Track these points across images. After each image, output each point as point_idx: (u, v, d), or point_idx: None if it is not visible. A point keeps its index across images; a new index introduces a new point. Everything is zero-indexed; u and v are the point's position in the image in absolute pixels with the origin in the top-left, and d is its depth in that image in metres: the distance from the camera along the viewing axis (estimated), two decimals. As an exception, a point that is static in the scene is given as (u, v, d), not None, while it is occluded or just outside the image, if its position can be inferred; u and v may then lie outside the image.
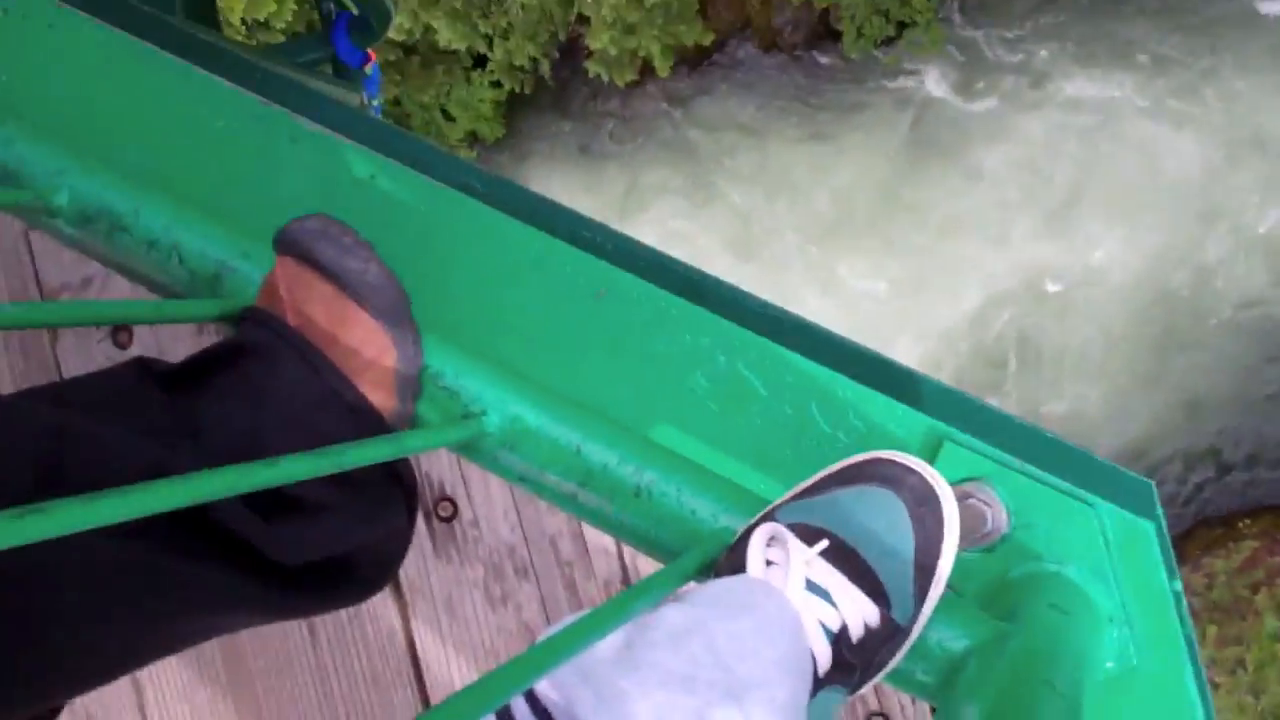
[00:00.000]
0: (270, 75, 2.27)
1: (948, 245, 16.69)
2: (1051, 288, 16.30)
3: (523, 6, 15.79)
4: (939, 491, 1.66)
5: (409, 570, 2.18)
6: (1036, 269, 16.23)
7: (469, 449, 1.92)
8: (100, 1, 2.33)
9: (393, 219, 2.06)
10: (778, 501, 1.74)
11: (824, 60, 17.59)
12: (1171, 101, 16.09)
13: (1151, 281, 16.30)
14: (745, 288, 2.10)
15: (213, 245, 1.94)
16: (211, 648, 2.29)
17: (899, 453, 1.71)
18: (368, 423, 1.80)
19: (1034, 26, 16.83)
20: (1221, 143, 15.71)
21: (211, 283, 1.97)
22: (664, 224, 17.82)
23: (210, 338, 2.26)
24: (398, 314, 1.92)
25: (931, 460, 1.87)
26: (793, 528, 1.61)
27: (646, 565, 2.03)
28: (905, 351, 16.17)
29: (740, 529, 1.76)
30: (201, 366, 1.78)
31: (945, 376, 16.18)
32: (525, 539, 2.09)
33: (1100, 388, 16.11)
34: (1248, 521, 14.84)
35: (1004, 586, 1.87)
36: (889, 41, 17.07)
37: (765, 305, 2.02)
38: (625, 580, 2.04)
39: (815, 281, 16.70)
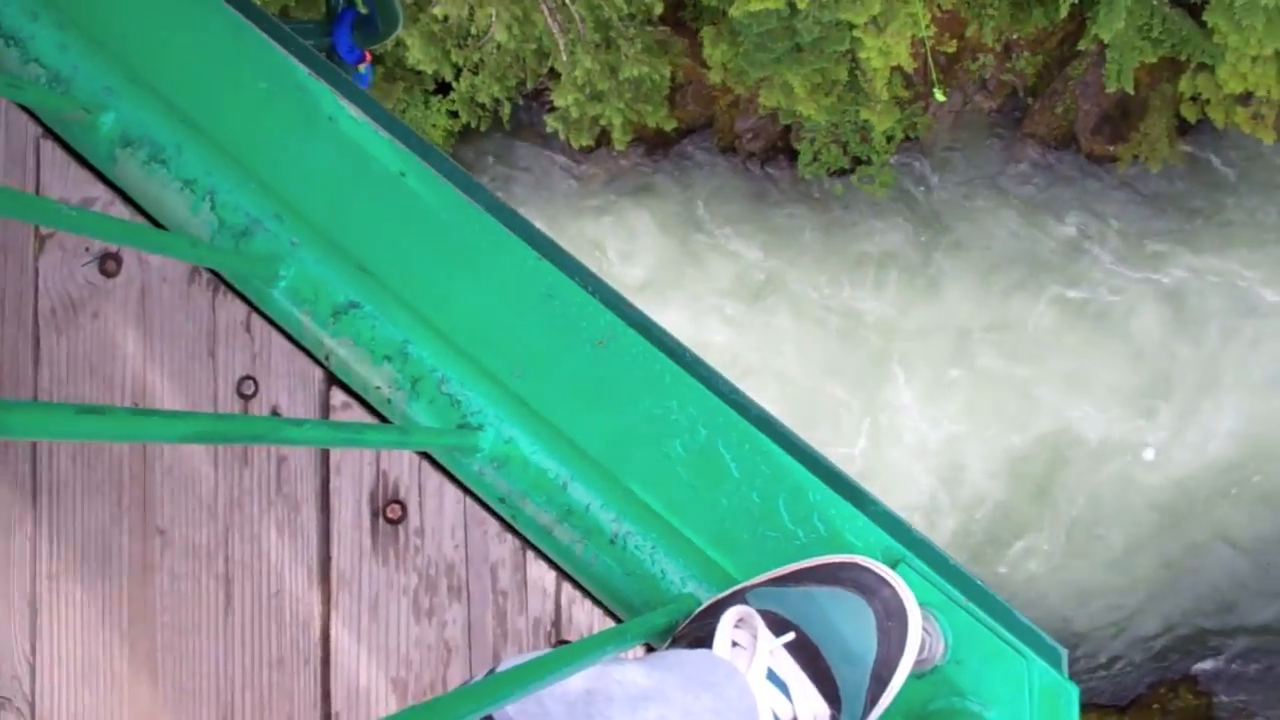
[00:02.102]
0: (311, 53, 2.30)
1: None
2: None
3: (498, 47, 15.80)
4: (908, 609, 1.72)
5: (341, 563, 2.17)
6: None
7: (456, 458, 1.94)
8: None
9: (413, 218, 2.09)
10: (750, 583, 1.78)
11: (775, 174, 17.86)
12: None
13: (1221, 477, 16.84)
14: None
15: (248, 200, 1.95)
16: (121, 594, 2.26)
17: (877, 563, 1.76)
18: None
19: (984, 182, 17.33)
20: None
21: (238, 236, 1.98)
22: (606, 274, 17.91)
23: (199, 288, 2.24)
24: None
25: None
26: (763, 614, 1.65)
27: (580, 613, 2.05)
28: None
29: (706, 600, 1.79)
30: None
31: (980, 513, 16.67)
32: (466, 559, 2.10)
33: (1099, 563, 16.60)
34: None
35: (924, 715, 1.92)
36: (842, 173, 17.41)
37: (749, 399, 2.08)
38: (556, 623, 2.06)
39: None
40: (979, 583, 2.00)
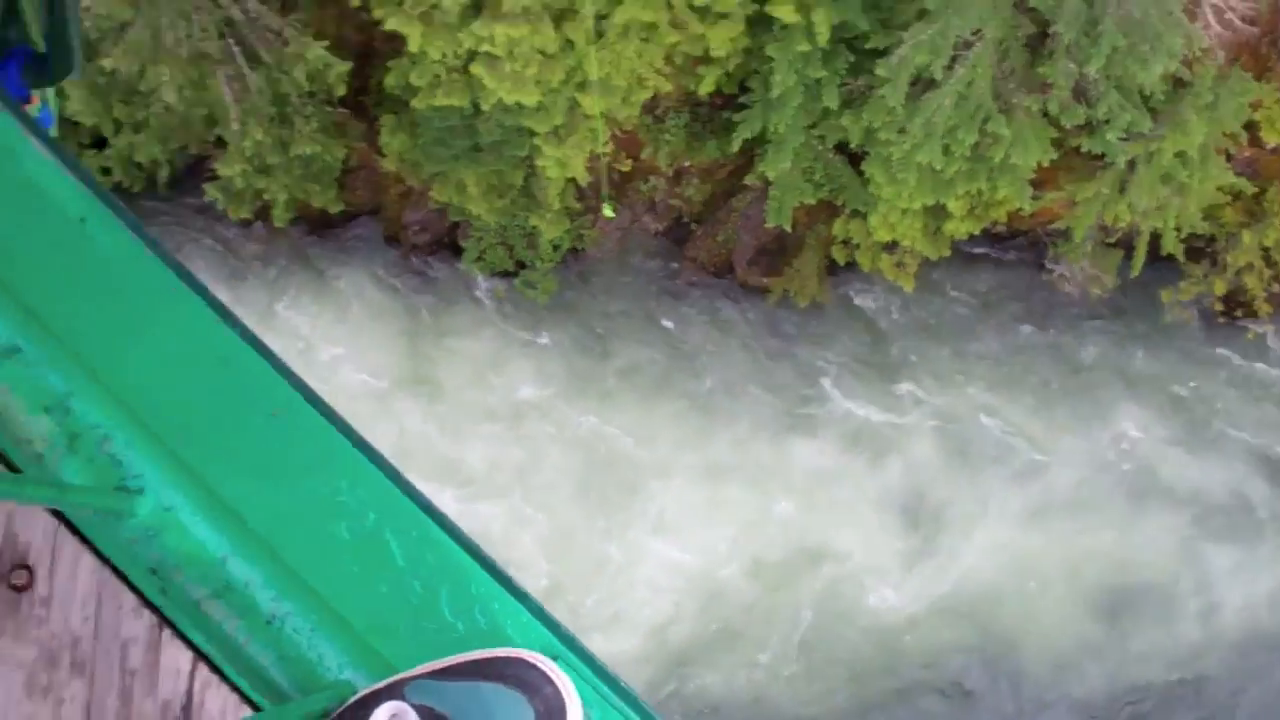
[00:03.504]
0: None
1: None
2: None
3: (166, 108, 15.22)
4: (569, 707, 1.70)
5: (-46, 630, 1.99)
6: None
7: (107, 524, 1.81)
8: None
9: (90, 265, 1.97)
10: (409, 674, 1.72)
11: (436, 272, 17.89)
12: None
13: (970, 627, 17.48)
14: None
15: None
16: None
17: (543, 658, 1.74)
18: None
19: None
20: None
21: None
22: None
23: None
24: None
25: None
26: (419, 709, 1.60)
27: (214, 699, 1.92)
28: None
29: (362, 690, 1.72)
30: None
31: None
32: (95, 634, 1.95)
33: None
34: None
35: None
36: (506, 275, 17.59)
37: (418, 489, 2.04)
38: (186, 708, 1.93)
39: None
40: (625, 686, 2.01)
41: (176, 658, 1.93)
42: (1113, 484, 17.47)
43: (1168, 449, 17.58)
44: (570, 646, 1.99)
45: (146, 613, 1.92)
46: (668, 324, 17.69)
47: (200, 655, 1.92)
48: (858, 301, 17.97)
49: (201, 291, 2.03)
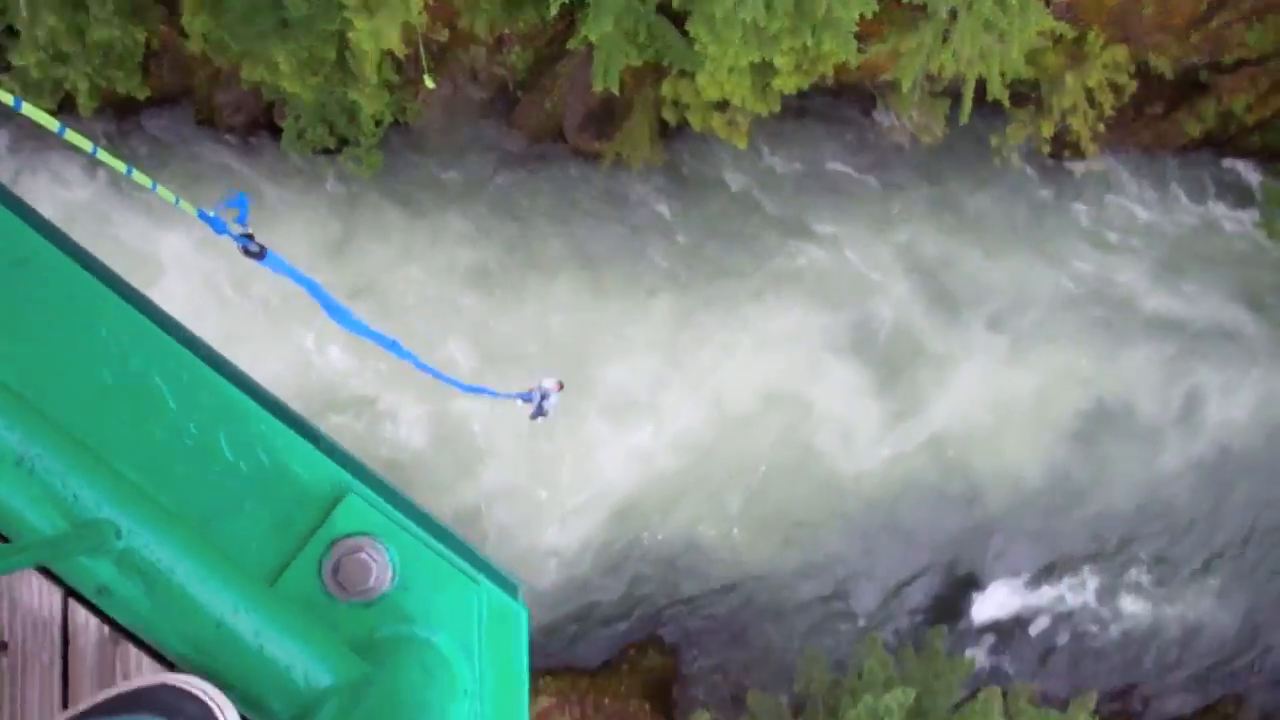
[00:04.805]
0: None
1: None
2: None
3: (-56, -3, 14.34)
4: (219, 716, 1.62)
5: None
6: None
7: None
8: None
9: None
10: None
11: (261, 150, 17.36)
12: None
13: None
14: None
15: None
16: None
17: (184, 677, 1.66)
18: None
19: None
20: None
21: None
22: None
23: None
24: None
25: (331, 509, 1.89)
26: None
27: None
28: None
29: None
30: None
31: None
32: None
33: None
34: (547, 679, 16.18)
35: (372, 642, 1.88)
36: (328, 152, 17.15)
37: (191, 332, 1.97)
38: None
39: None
40: (434, 519, 2.00)
41: None
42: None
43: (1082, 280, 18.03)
44: (366, 480, 1.96)
45: None
46: (523, 200, 17.50)
47: None
48: (685, 161, 17.99)
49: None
